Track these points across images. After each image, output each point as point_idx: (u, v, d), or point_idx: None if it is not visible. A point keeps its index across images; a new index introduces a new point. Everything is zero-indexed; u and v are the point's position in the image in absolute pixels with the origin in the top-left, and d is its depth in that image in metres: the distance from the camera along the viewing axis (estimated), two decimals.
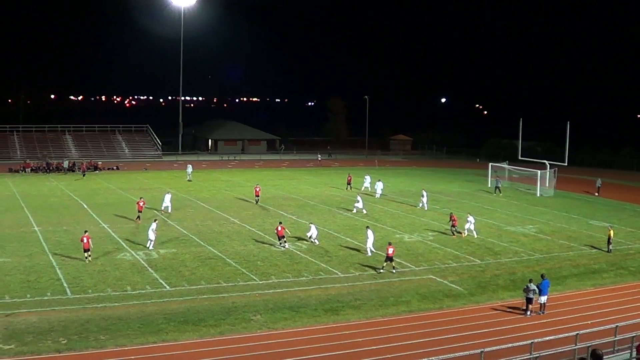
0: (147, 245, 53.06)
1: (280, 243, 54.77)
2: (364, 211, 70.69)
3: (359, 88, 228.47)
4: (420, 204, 74.54)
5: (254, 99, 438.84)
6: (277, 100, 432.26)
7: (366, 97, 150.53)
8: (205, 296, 41.01)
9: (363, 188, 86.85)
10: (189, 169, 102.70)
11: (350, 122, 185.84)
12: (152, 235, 53.34)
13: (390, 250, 47.06)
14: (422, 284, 44.27)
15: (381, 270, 47.18)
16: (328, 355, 32.14)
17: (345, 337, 34.28)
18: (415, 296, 41.48)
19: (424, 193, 75.98)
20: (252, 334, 34.61)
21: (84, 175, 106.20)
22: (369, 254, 52.04)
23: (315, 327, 35.78)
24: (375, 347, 32.84)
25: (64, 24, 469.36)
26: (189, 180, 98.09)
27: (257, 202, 77.23)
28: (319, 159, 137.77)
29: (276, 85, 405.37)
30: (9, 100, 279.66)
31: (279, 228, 55.19)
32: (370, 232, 52.67)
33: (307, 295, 41.42)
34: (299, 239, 56.99)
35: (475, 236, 59.82)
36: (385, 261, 47.50)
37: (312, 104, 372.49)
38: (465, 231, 60.18)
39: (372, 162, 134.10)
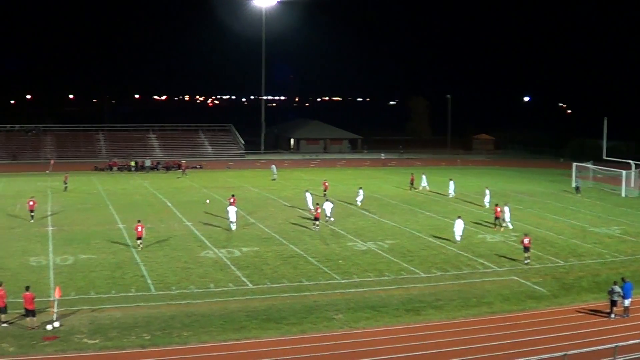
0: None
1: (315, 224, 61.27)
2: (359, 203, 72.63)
3: (441, 87, 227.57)
4: (487, 204, 74.38)
5: (336, 98, 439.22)
6: (359, 99, 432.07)
7: (448, 95, 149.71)
8: (287, 294, 41.42)
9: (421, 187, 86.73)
10: (274, 168, 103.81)
11: (432, 121, 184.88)
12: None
13: (526, 241, 49.59)
14: (504, 285, 43.98)
15: (527, 261, 49.43)
16: (409, 355, 32.18)
17: (426, 337, 34.28)
18: (498, 297, 41.25)
19: (487, 192, 75.92)
20: (334, 333, 34.84)
21: (183, 173, 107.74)
22: (457, 240, 55.63)
23: (396, 327, 35.86)
24: (456, 348, 32.78)
25: (148, 26, 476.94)
26: (274, 180, 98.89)
27: (324, 195, 78.82)
28: (382, 157, 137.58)
29: (358, 84, 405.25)
30: (95, 101, 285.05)
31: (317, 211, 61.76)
32: (460, 222, 56.29)
33: (388, 294, 41.52)
34: (381, 239, 57.08)
35: (510, 227, 61.87)
36: (524, 252, 49.66)
37: (395, 102, 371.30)
38: (508, 224, 62.18)
39: (454, 161, 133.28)
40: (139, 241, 52.82)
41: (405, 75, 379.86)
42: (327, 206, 64.84)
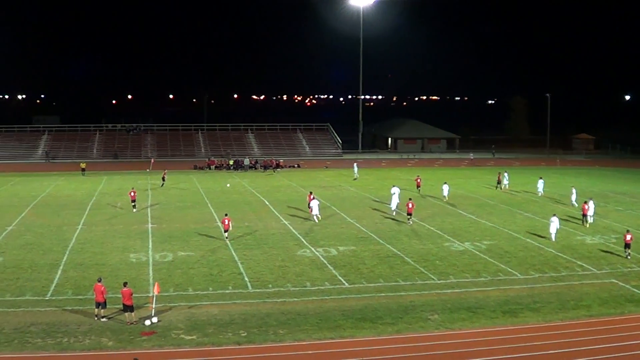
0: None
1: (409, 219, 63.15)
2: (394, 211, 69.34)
3: (540, 86, 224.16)
4: (574, 203, 73.37)
5: (434, 98, 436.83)
6: (457, 98, 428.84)
7: (547, 94, 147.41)
8: (383, 294, 41.28)
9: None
10: (356, 167, 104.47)
11: (531, 120, 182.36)
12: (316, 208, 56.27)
13: (628, 237, 50.40)
14: (603, 288, 43.01)
15: (628, 256, 50.12)
16: (505, 358, 31.78)
17: (523, 340, 33.78)
18: (596, 300, 40.35)
19: (574, 191, 75.02)
20: (429, 334, 34.58)
21: (274, 171, 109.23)
22: (553, 239, 55.79)
23: (492, 329, 35.43)
24: (553, 352, 32.20)
25: (246, 27, 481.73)
26: (355, 180, 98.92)
27: (418, 191, 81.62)
28: (472, 157, 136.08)
29: (456, 83, 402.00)
30: (194, 100, 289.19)
31: (410, 205, 63.47)
32: (555, 219, 56.78)
33: (485, 296, 41.07)
34: (478, 239, 56.58)
35: (591, 222, 63.24)
36: (625, 248, 50.60)
37: (493, 102, 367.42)
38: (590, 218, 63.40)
39: (553, 161, 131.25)
40: (225, 234, 55.86)
41: (503, 74, 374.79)
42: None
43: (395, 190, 71.08)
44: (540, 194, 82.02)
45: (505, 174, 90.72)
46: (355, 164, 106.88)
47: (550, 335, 34.45)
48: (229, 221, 55.96)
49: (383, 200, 76.69)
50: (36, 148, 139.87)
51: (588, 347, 32.92)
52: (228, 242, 55.35)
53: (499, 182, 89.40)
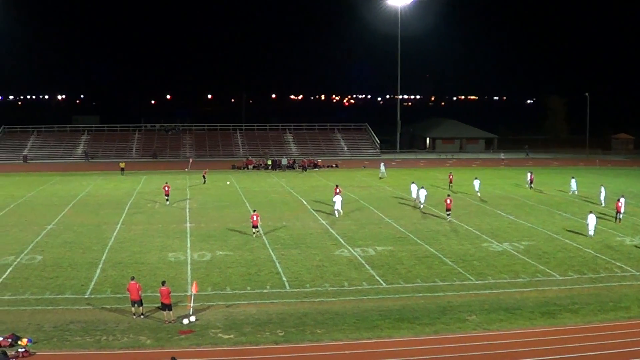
0: None
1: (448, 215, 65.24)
2: (421, 205, 72.01)
3: (579, 85, 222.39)
4: (602, 202, 73.87)
5: (472, 97, 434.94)
6: (495, 98, 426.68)
7: (587, 94, 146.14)
8: (420, 294, 41.20)
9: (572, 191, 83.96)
10: (382, 167, 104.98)
11: (570, 120, 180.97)
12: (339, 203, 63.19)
13: None
14: None
15: None
16: (543, 359, 31.53)
17: (561, 341, 33.57)
18: (636, 302, 39.90)
19: (602, 189, 74.87)
20: (467, 334, 34.47)
21: (303, 171, 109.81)
22: (592, 234, 56.96)
23: (530, 330, 35.20)
24: (591, 354, 31.96)
25: (284, 27, 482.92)
26: (381, 178, 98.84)
27: (450, 188, 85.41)
28: (503, 157, 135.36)
29: (494, 83, 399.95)
30: (232, 100, 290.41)
31: (449, 201, 65.84)
32: (592, 216, 57.37)
33: (523, 297, 40.84)
34: (517, 240, 56.26)
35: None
36: None
37: (531, 101, 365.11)
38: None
39: (592, 161, 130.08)
40: (254, 229, 57.37)
41: (542, 73, 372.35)
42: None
43: (415, 188, 74.90)
44: (572, 193, 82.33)
45: (528, 174, 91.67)
46: (382, 164, 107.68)
47: (589, 337, 34.21)
48: (257, 217, 57.65)
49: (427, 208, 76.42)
50: (76, 148, 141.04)
51: (627, 349, 32.62)
52: (263, 237, 56.49)
53: (531, 182, 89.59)
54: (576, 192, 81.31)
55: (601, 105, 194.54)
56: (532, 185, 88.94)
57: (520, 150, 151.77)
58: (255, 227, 57.51)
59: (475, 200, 77.37)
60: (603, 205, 72.46)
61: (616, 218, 63.93)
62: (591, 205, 71.15)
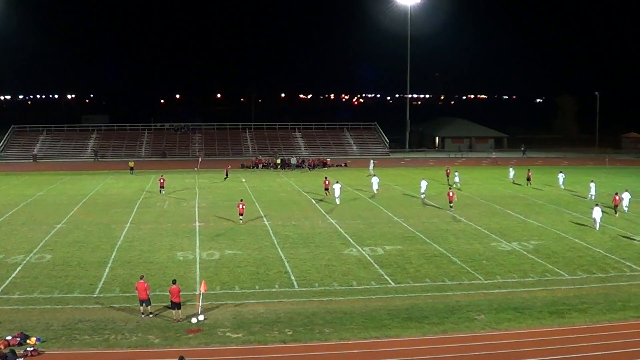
0: None
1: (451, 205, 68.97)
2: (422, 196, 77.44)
3: (589, 84, 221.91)
4: (590, 196, 76.87)
5: (482, 96, 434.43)
6: (505, 97, 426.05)
7: (597, 93, 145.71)
8: (429, 294, 41.17)
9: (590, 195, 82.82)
10: (371, 164, 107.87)
11: (580, 119, 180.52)
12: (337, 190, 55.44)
13: None
14: None
15: None
16: (551, 358, 31.49)
17: (570, 341, 33.53)
18: None
19: (592, 185, 77.52)
20: (475, 334, 34.44)
21: (311, 170, 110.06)
22: (597, 228, 59.32)
23: (539, 330, 35.15)
24: (600, 353, 31.90)
25: (293, 26, 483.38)
26: (369, 176, 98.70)
27: (448, 181, 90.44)
28: (494, 155, 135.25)
29: (504, 82, 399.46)
30: (242, 99, 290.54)
31: (451, 193, 70.20)
32: (598, 209, 59.95)
33: (532, 296, 40.77)
34: (526, 239, 56.17)
35: (626, 212, 67.58)
36: None
37: (541, 100, 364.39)
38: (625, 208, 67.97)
39: (602, 160, 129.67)
40: (240, 216, 62.84)
41: (552, 72, 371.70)
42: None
43: (424, 184, 78.12)
44: (591, 197, 77.77)
45: (511, 169, 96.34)
46: (371, 161, 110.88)
47: (598, 337, 34.14)
48: (243, 205, 63.43)
49: (429, 200, 76.40)
50: (85, 147, 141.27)
51: (636, 349, 32.54)
52: (240, 224, 61.26)
53: (528, 179, 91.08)
54: (594, 196, 79.05)
55: (611, 104, 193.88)
56: (530, 183, 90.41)
57: (531, 149, 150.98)
58: (241, 214, 62.85)
59: (478, 198, 77.19)
60: (590, 199, 75.20)
61: (615, 211, 66.42)
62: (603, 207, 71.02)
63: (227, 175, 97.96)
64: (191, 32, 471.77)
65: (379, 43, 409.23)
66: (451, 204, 69.18)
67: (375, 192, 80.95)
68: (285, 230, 59.17)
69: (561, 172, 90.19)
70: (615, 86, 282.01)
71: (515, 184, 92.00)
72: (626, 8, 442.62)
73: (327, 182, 79.72)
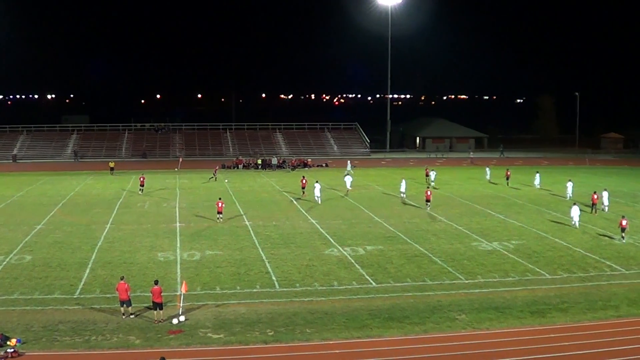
0: None
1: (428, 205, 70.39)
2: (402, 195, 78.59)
3: (569, 85, 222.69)
4: (568, 195, 77.85)
5: (462, 97, 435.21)
6: (485, 97, 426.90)
7: (576, 93, 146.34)
8: (410, 293, 41.28)
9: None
10: (349, 165, 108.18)
11: (560, 119, 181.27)
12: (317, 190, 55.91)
13: (624, 222, 55.65)
14: (632, 288, 42.70)
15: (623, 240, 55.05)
16: (532, 358, 31.68)
17: (551, 340, 33.64)
18: (625, 301, 40.07)
19: (569, 185, 78.71)
20: (456, 333, 34.55)
21: (292, 170, 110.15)
22: (577, 226, 60.72)
23: (520, 329, 35.31)
24: (580, 352, 32.07)
25: (273, 26, 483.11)
26: (346, 175, 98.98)
27: (427, 180, 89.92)
28: (471, 155, 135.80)
29: (484, 82, 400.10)
30: (222, 100, 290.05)
31: (429, 192, 72.09)
32: (576, 207, 61.66)
33: (513, 296, 40.93)
34: (507, 239, 56.35)
35: (606, 211, 68.78)
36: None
37: (521, 101, 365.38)
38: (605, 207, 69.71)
39: (582, 160, 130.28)
40: (218, 215, 63.50)
41: (532, 73, 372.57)
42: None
43: (404, 184, 79.19)
44: (537, 187, 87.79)
45: (487, 169, 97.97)
46: (348, 161, 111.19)
47: (578, 336, 34.33)
48: (222, 204, 63.91)
49: (410, 200, 76.54)
50: (65, 147, 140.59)
51: (616, 348, 32.76)
52: (218, 222, 62.31)
53: (507, 178, 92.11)
54: (571, 196, 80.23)
55: (591, 104, 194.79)
56: (509, 182, 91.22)
57: (511, 149, 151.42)
58: (219, 212, 63.47)
59: (459, 198, 77.43)
60: (568, 199, 76.05)
61: (592, 209, 67.83)
62: (584, 207, 71.35)
63: (214, 175, 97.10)
64: (171, 32, 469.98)
65: (359, 43, 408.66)
66: (428, 202, 70.61)
67: (348, 190, 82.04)
68: (266, 231, 59.16)
69: (537, 172, 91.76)
70: (595, 87, 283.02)
71: (492, 183, 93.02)
72: (606, 9, 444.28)
73: (304, 181, 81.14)
